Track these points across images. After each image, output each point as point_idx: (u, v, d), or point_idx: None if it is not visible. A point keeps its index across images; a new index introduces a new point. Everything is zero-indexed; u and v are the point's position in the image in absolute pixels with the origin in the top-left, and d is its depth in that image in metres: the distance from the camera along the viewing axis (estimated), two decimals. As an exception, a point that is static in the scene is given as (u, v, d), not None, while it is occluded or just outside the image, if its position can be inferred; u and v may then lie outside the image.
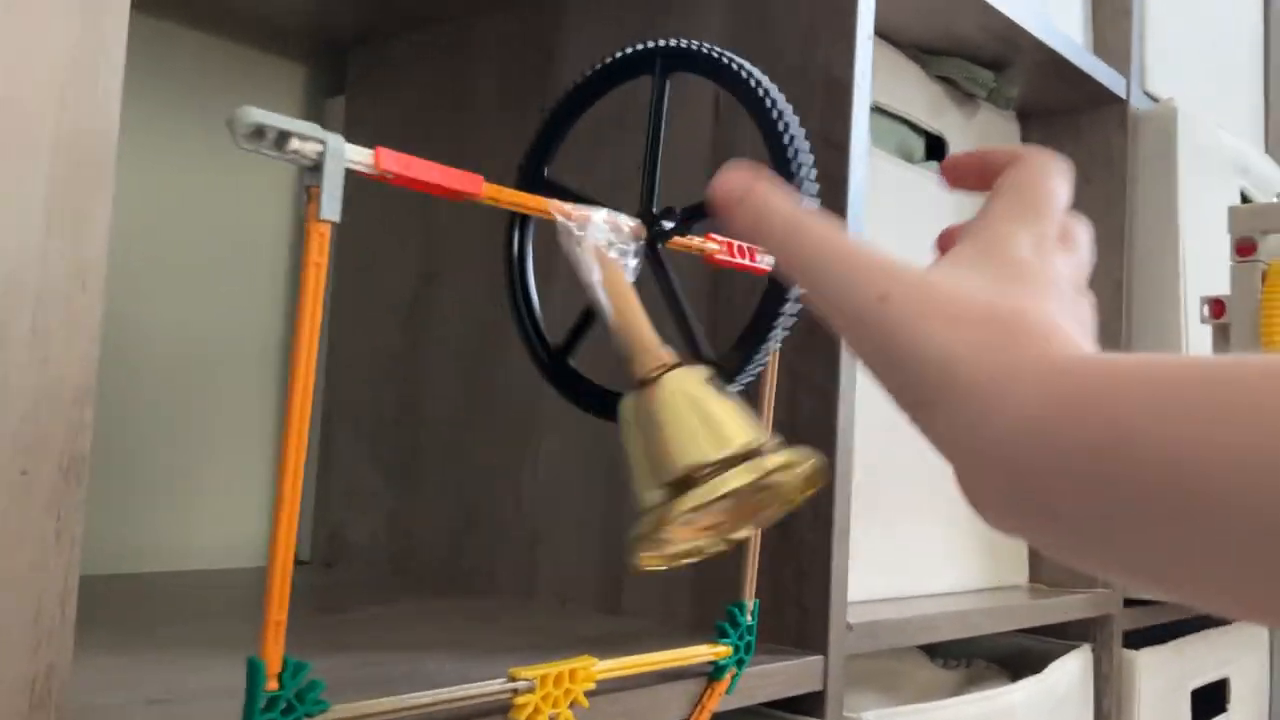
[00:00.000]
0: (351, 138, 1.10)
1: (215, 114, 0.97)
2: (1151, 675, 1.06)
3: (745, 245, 0.57)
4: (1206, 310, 0.56)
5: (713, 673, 0.58)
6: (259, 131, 0.36)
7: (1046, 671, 0.93)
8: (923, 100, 0.94)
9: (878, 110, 0.89)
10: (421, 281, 0.93)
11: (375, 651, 0.60)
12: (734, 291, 0.72)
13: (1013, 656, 1.00)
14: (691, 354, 0.50)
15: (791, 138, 0.50)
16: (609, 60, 0.56)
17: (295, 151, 0.37)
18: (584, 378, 0.55)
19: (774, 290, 0.51)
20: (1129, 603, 1.05)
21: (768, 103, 0.51)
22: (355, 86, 1.01)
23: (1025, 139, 1.08)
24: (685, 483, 0.42)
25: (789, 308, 0.50)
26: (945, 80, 0.96)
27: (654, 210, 0.52)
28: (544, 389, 0.57)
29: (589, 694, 0.50)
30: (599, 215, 0.49)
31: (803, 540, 0.68)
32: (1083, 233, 0.36)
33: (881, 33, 0.89)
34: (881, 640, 0.75)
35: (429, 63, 0.94)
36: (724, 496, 0.42)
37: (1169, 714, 1.10)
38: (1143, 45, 1.14)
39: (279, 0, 0.94)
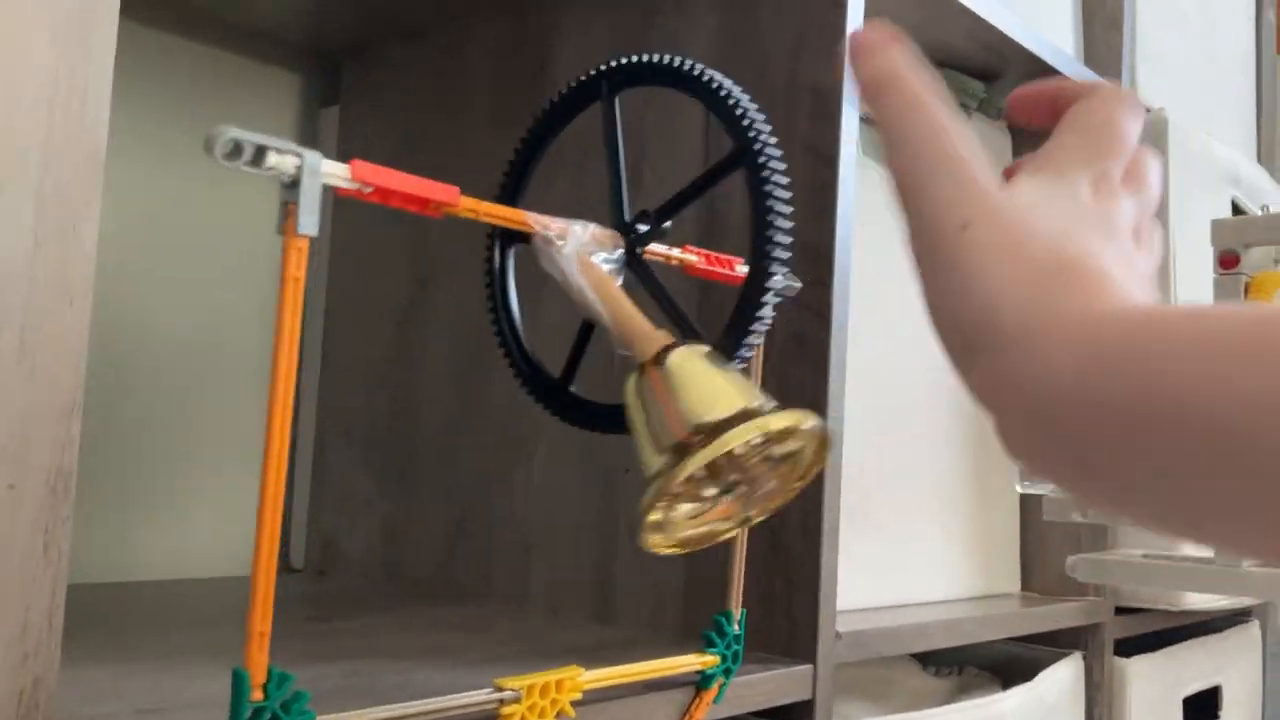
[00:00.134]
0: (345, 147, 1.10)
1: (210, 124, 0.97)
2: (1143, 683, 1.06)
3: (722, 255, 0.57)
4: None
5: (700, 682, 0.58)
6: (236, 148, 0.36)
7: (1037, 679, 0.93)
8: (914, 111, 0.94)
9: (869, 121, 0.89)
10: (415, 289, 0.93)
11: (365, 660, 0.61)
12: (725, 298, 0.72)
13: (1004, 664, 1.00)
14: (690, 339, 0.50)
15: (744, 111, 0.51)
16: (558, 97, 0.58)
17: (273, 167, 0.37)
18: (583, 400, 0.56)
19: (756, 275, 0.51)
20: (1120, 611, 1.05)
21: (714, 84, 0.52)
22: (349, 96, 1.01)
23: (1017, 150, 1.08)
24: (688, 447, 0.43)
25: (771, 294, 0.51)
26: (936, 91, 0.96)
27: (626, 219, 0.53)
28: (535, 398, 0.57)
29: (576, 704, 0.50)
30: (577, 226, 0.50)
31: (792, 549, 0.68)
32: (1152, 171, 0.35)
33: (872, 44, 0.89)
34: (871, 649, 0.75)
35: (422, 73, 0.95)
36: (728, 454, 0.42)
37: (1160, 722, 1.10)
38: (1133, 55, 1.15)
39: (273, 11, 0.94)
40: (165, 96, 0.94)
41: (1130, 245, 0.33)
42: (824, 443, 0.46)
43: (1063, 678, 0.98)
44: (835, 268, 0.69)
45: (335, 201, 0.92)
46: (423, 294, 0.92)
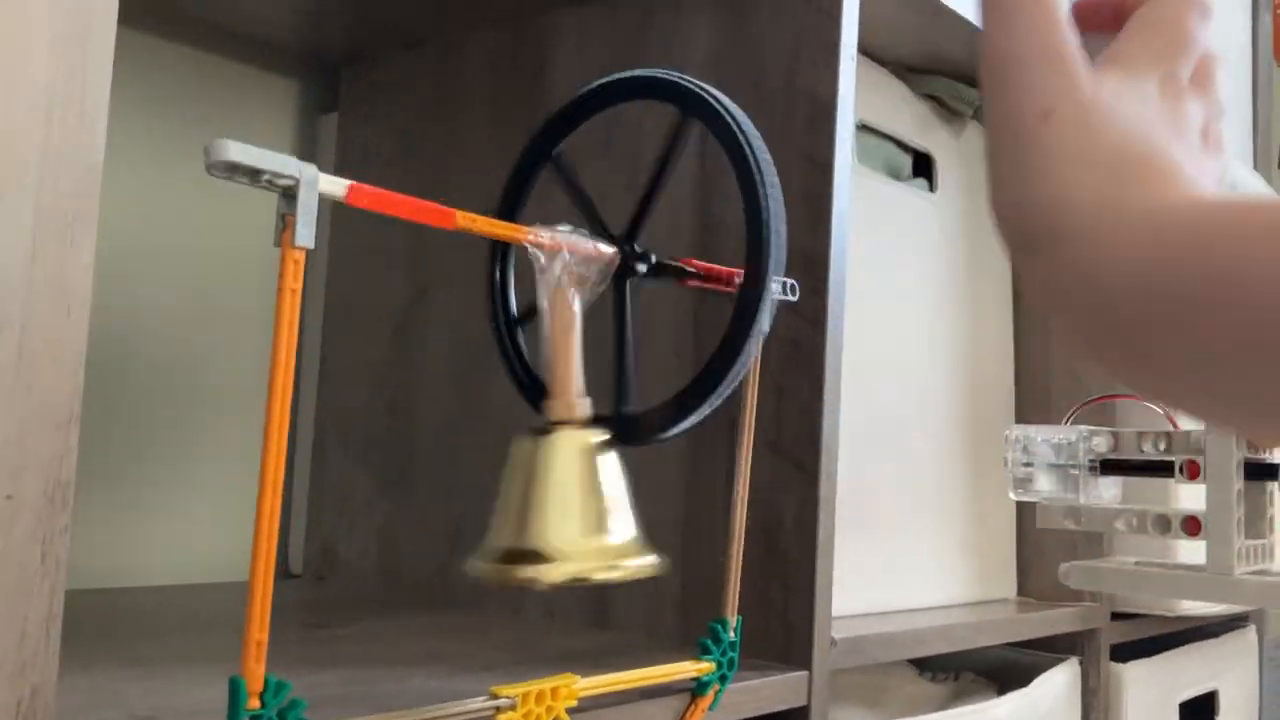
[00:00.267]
0: (344, 154, 1.10)
1: (210, 130, 0.98)
2: (1139, 688, 1.06)
3: (721, 270, 0.58)
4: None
5: (696, 689, 0.58)
6: (233, 164, 0.37)
7: (1032, 685, 0.93)
8: (910, 118, 0.95)
9: (865, 128, 0.90)
10: (413, 295, 0.93)
11: (362, 667, 0.61)
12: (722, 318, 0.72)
13: (1001, 669, 1.00)
14: (616, 398, 0.53)
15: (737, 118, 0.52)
16: (620, 78, 0.57)
17: (269, 180, 0.38)
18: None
19: (725, 351, 0.52)
20: (1116, 616, 1.05)
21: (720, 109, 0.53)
22: (348, 103, 1.02)
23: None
24: (523, 555, 0.46)
25: (733, 374, 0.52)
26: (932, 98, 0.96)
27: (635, 246, 0.54)
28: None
29: (571, 710, 0.50)
30: (572, 240, 0.50)
31: (787, 555, 0.69)
32: (1219, 73, 0.35)
33: (869, 52, 0.90)
34: (867, 655, 0.75)
35: (420, 81, 0.95)
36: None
37: (1157, 727, 1.10)
38: (1130, 62, 1.15)
39: (272, 18, 0.95)
40: (165, 104, 0.95)
41: (1198, 145, 0.33)
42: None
43: (1059, 683, 0.98)
44: (830, 275, 0.69)
45: (334, 206, 0.92)
46: (422, 298, 0.93)
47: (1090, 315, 0.30)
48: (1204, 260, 0.27)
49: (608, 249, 0.52)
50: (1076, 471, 0.64)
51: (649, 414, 0.53)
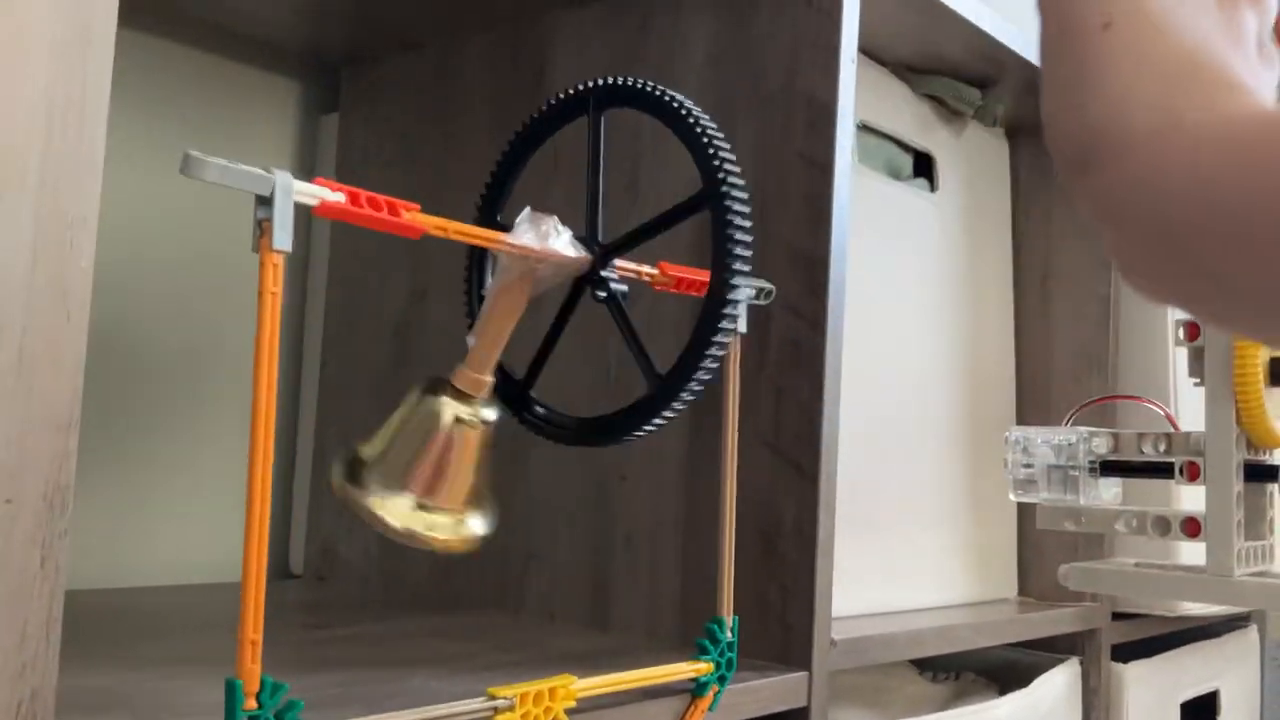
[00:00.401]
0: (344, 155, 1.10)
1: (210, 130, 0.98)
2: (1140, 688, 1.06)
3: (686, 276, 0.59)
4: (1182, 333, 0.57)
5: (695, 689, 0.59)
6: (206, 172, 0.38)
7: (1033, 685, 0.93)
8: (910, 118, 0.95)
9: (866, 128, 0.90)
10: (412, 298, 0.93)
11: (360, 668, 0.61)
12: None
13: (1001, 669, 1.00)
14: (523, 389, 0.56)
15: (716, 150, 0.53)
16: (546, 106, 0.59)
17: (246, 186, 0.39)
18: (542, 407, 0.59)
19: (686, 358, 0.53)
20: (1117, 616, 1.05)
21: (693, 120, 0.54)
22: (348, 104, 1.02)
23: (1014, 156, 1.09)
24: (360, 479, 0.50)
25: (697, 379, 0.53)
26: (933, 98, 0.96)
27: (599, 240, 0.55)
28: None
29: (570, 711, 0.50)
30: (544, 248, 0.51)
31: (786, 556, 0.69)
32: None
33: (869, 52, 0.90)
34: (867, 656, 0.75)
35: (420, 80, 0.95)
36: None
37: (1158, 727, 1.10)
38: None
39: (272, 19, 0.95)
40: (165, 104, 0.95)
41: (1255, 56, 0.33)
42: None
43: (1059, 683, 0.98)
44: (830, 276, 0.69)
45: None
46: (421, 302, 0.93)
47: (1149, 227, 0.29)
48: (1270, 170, 0.26)
49: (579, 254, 0.53)
50: (1077, 473, 0.64)
51: (616, 415, 0.55)
